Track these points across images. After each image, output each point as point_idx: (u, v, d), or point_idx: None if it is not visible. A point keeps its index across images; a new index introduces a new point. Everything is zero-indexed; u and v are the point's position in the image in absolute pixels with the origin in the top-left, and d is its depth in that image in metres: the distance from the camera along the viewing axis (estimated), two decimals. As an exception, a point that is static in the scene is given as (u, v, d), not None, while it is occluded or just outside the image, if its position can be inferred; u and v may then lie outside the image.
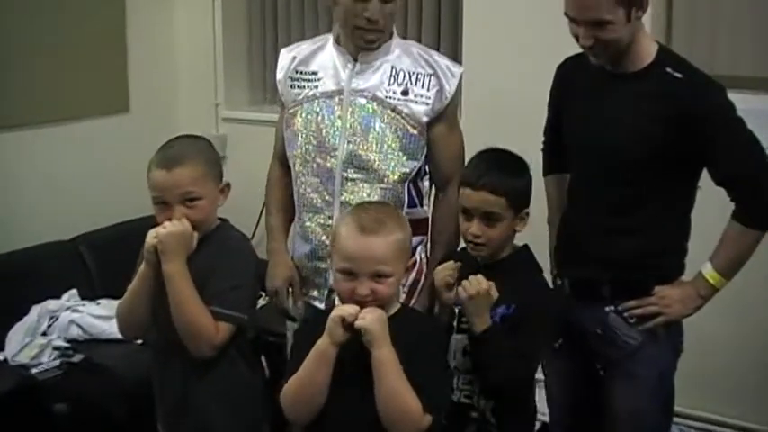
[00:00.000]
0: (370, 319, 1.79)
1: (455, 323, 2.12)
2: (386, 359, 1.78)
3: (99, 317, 3.41)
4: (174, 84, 4.34)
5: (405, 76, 2.34)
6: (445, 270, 2.09)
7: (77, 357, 3.25)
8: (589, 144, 2.24)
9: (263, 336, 2.34)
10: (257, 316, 2.25)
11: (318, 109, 2.36)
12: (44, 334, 3.35)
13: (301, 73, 2.41)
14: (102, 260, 3.70)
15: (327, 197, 2.35)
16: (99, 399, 3.10)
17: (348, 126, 2.32)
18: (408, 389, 1.78)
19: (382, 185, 2.33)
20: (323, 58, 2.40)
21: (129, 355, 3.03)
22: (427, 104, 2.34)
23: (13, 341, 3.28)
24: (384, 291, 1.84)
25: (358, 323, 1.78)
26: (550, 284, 2.32)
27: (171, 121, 4.28)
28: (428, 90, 2.34)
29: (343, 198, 2.33)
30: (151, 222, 2.14)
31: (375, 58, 2.34)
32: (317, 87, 2.37)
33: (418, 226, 2.36)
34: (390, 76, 2.33)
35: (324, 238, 2.34)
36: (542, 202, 2.45)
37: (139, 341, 2.70)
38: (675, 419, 3.22)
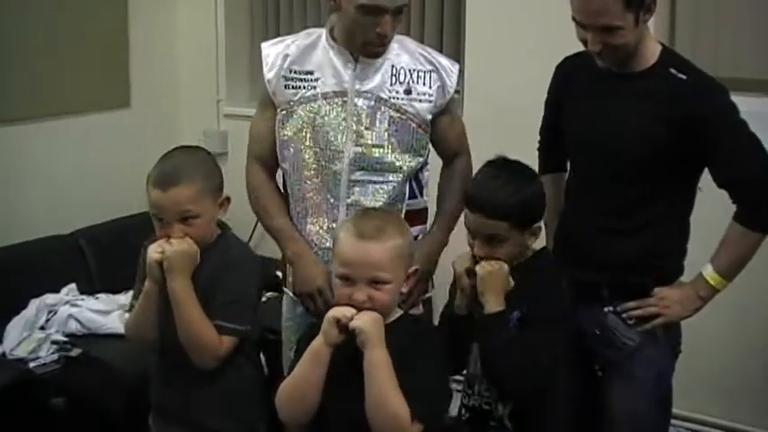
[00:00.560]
0: (364, 320, 1.78)
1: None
2: (377, 361, 1.76)
3: (98, 311, 3.41)
4: (176, 79, 4.33)
5: (406, 75, 2.33)
6: (465, 257, 2.08)
7: (75, 352, 3.25)
8: (592, 143, 2.23)
9: (264, 334, 2.33)
10: (260, 317, 2.24)
11: (320, 110, 2.32)
12: (42, 328, 3.35)
13: (296, 72, 2.34)
14: (101, 255, 3.71)
15: (332, 200, 2.32)
16: (96, 393, 3.11)
17: (353, 128, 2.31)
18: (398, 394, 1.75)
19: (388, 185, 2.33)
20: (318, 57, 2.34)
21: (127, 349, 2.96)
22: (430, 102, 2.34)
23: (12, 335, 3.28)
24: (381, 298, 1.81)
25: (352, 323, 1.78)
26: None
27: (172, 116, 4.29)
28: (430, 87, 2.34)
29: (349, 200, 2.31)
30: (150, 219, 2.13)
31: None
32: (315, 88, 2.32)
33: (418, 216, 2.37)
34: (392, 75, 2.32)
35: (328, 243, 2.29)
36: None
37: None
38: (673, 421, 3.23)
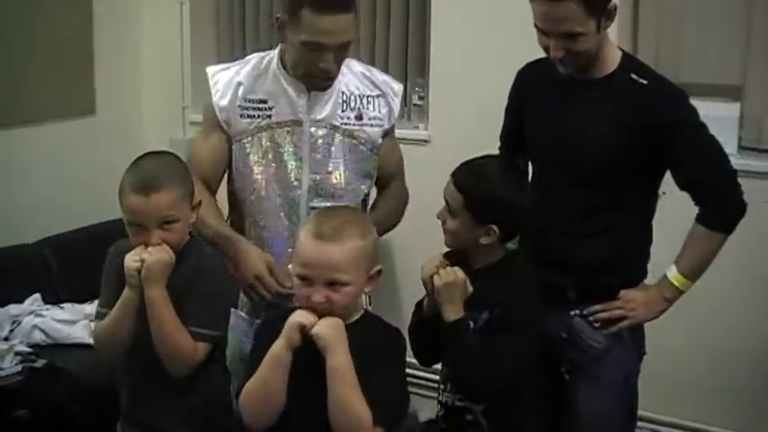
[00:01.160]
0: (324, 326, 1.77)
1: None
2: (339, 366, 1.75)
3: (62, 321, 3.37)
4: (141, 86, 4.31)
5: (356, 101, 2.37)
6: (432, 262, 2.09)
7: (40, 363, 3.21)
8: (554, 151, 2.25)
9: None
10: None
11: (276, 139, 2.33)
12: (6, 339, 3.30)
13: (250, 101, 2.34)
14: (65, 264, 3.66)
15: (293, 227, 2.32)
16: (61, 404, 3.07)
17: (310, 156, 2.33)
18: (360, 399, 1.75)
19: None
20: (269, 85, 2.34)
21: (92, 359, 2.96)
22: (381, 126, 2.40)
23: (-25, 346, 3.23)
24: (340, 299, 1.80)
25: (313, 330, 1.77)
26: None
27: (137, 123, 4.26)
28: (380, 112, 2.40)
29: None
30: (116, 227, 2.12)
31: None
32: (269, 117, 2.33)
33: None
34: (342, 102, 2.36)
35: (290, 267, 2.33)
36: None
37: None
38: (639, 423, 3.26)
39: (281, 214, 2.35)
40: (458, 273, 2.03)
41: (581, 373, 2.27)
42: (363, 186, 2.41)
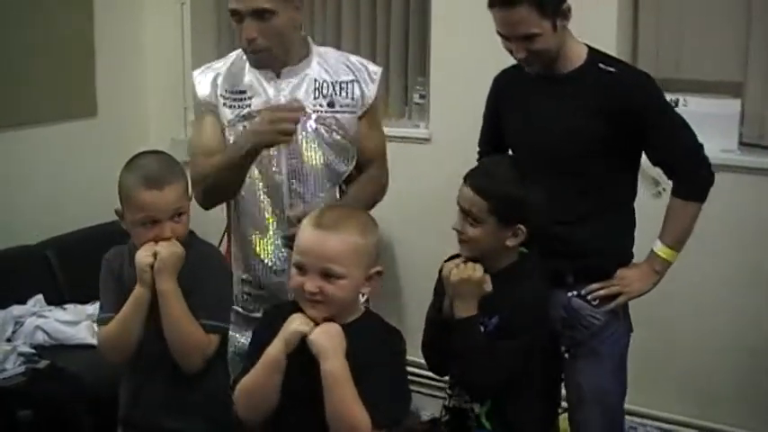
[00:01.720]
0: (319, 332, 1.77)
1: None
2: (334, 372, 1.74)
3: (65, 322, 3.38)
4: (142, 87, 4.31)
5: (328, 87, 2.40)
6: (454, 261, 2.11)
7: (42, 363, 3.21)
8: (534, 146, 2.35)
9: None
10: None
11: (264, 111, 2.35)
12: (9, 340, 3.31)
13: (231, 92, 2.41)
14: (68, 265, 3.67)
15: (278, 211, 2.38)
16: (64, 405, 3.08)
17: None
18: (357, 402, 1.74)
19: (321, 194, 2.39)
20: (246, 77, 2.41)
21: (94, 360, 2.93)
22: (353, 112, 2.42)
23: (-23, 347, 3.24)
24: (333, 291, 1.78)
25: (310, 337, 1.77)
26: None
27: (139, 125, 4.26)
28: (352, 99, 2.42)
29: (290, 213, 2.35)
30: (119, 228, 2.14)
31: (296, 72, 2.39)
32: (249, 107, 2.38)
33: None
34: (315, 89, 2.39)
35: (280, 253, 2.37)
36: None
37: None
38: (642, 420, 3.26)
39: (269, 199, 2.39)
40: (477, 269, 2.05)
41: (581, 348, 2.37)
42: (340, 171, 2.43)
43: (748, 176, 3.06)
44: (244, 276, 2.46)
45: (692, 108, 2.97)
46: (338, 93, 2.40)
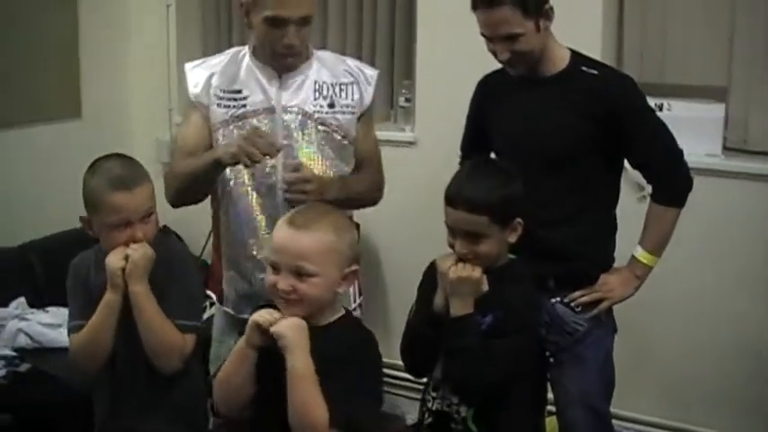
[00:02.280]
0: (284, 326, 1.77)
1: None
2: (298, 367, 1.74)
3: (48, 325, 3.36)
4: (127, 89, 4.28)
5: (328, 89, 2.41)
6: (448, 257, 2.10)
7: (24, 367, 3.19)
8: (519, 147, 2.36)
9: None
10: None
11: (251, 128, 2.34)
12: (-10, 343, 3.28)
13: (225, 92, 2.40)
14: (50, 268, 3.62)
15: (272, 211, 2.35)
16: (46, 408, 3.04)
17: (284, 143, 2.35)
18: (318, 401, 1.73)
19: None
20: (243, 75, 2.41)
21: (77, 363, 2.97)
22: (353, 113, 2.43)
23: (-42, 351, 3.21)
24: (306, 290, 1.79)
25: (273, 329, 1.77)
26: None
27: (124, 126, 4.24)
28: (352, 100, 2.43)
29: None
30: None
31: (298, 73, 2.40)
32: (244, 106, 2.38)
33: None
34: (315, 90, 2.40)
35: None
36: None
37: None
38: (623, 423, 3.27)
39: (256, 199, 2.38)
40: (476, 269, 2.06)
41: (565, 354, 2.38)
42: (340, 172, 2.43)
43: (732, 181, 3.08)
44: (233, 274, 2.45)
45: (676, 112, 2.99)
46: (338, 94, 2.42)
